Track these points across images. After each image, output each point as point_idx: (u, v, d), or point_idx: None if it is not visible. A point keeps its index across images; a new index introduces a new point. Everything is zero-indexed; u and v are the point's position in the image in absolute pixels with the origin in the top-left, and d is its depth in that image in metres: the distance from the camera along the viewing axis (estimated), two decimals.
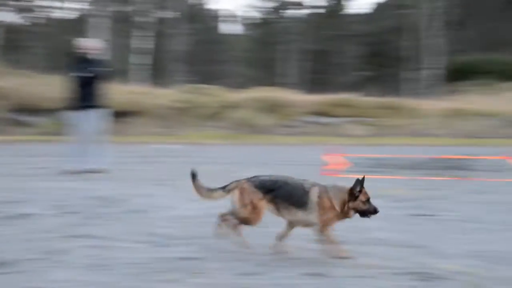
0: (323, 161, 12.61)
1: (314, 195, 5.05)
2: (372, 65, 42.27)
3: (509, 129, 22.83)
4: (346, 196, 5.03)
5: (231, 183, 5.24)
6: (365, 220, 5.11)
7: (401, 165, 13.76)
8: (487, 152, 15.32)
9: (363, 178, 5.03)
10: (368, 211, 5.08)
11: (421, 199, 8.46)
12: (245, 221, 5.15)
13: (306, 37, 42.29)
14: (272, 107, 26.01)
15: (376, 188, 9.30)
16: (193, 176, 5.29)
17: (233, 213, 5.19)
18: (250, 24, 50.16)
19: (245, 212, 5.11)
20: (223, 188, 5.25)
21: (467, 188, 9.89)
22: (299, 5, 44.67)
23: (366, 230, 6.18)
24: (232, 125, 25.42)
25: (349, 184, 5.05)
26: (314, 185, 5.12)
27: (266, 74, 41.45)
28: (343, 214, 5.08)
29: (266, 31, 45.63)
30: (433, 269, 4.76)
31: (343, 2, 45.30)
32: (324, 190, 5.07)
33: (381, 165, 12.96)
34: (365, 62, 42.96)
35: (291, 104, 26.25)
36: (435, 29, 33.94)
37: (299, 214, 5.11)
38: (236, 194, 5.19)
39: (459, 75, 32.80)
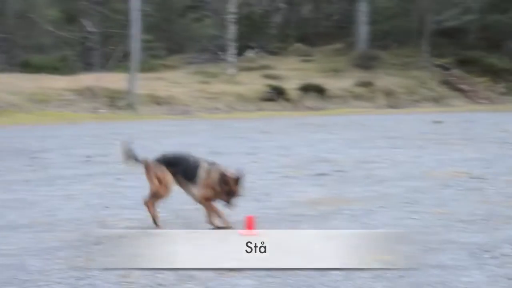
0: None
1: (202, 172, 5.35)
2: None
3: None
4: (219, 181, 5.27)
5: (141, 159, 5.49)
6: None
7: None
8: None
9: (242, 174, 5.26)
10: (226, 202, 5.30)
11: None
12: (156, 195, 5.39)
13: None
14: None
15: None
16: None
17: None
18: None
19: (154, 186, 5.38)
20: (136, 159, 5.52)
21: None
22: None
23: None
24: None
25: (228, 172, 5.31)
26: (209, 164, 5.41)
27: None
28: (218, 195, 5.31)
29: None
30: None
31: None
32: (211, 170, 5.34)
33: None
34: None
35: None
36: None
37: (190, 188, 5.42)
38: (142, 170, 5.47)
39: None
